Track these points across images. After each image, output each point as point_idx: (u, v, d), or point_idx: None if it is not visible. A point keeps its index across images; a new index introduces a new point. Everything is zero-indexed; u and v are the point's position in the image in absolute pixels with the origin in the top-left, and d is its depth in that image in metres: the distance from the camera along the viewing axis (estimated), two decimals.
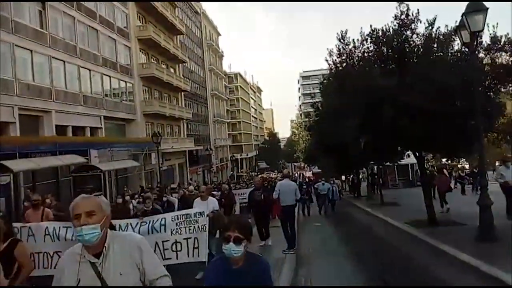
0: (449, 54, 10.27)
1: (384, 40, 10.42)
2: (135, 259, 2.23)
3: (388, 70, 10.49)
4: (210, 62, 59.13)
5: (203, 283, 2.68)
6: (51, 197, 9.66)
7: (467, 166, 32.45)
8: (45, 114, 20.25)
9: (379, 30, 10.56)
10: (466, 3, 8.16)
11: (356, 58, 11.06)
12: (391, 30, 10.42)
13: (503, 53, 9.83)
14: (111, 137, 26.47)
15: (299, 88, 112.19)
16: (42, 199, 8.19)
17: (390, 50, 10.47)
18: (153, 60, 34.67)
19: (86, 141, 23.00)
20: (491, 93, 10.21)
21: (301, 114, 72.42)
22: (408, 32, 10.35)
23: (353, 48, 11.06)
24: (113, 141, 25.81)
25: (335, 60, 11.54)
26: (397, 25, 10.37)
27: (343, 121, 11.39)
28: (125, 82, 29.55)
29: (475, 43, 8.72)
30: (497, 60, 9.98)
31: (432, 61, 9.77)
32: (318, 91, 27.56)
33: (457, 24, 9.25)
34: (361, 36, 10.88)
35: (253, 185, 13.46)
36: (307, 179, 38.73)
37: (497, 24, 9.60)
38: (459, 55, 10.26)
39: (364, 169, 28.65)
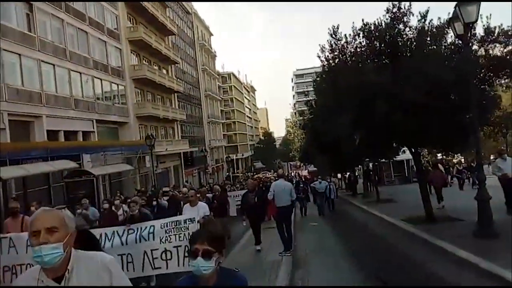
0: (443, 47, 10.13)
1: (377, 34, 10.25)
2: (104, 283, 1.95)
3: (381, 64, 10.35)
4: (203, 62, 58.83)
5: None
6: (36, 205, 9.34)
7: (462, 161, 32.44)
8: (36, 119, 19.90)
9: (371, 24, 10.40)
10: None
11: (349, 53, 10.89)
12: (383, 24, 10.26)
13: (497, 45, 9.68)
14: (104, 141, 26.14)
15: (293, 87, 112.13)
16: (28, 206, 7.91)
17: (382, 45, 10.33)
18: (145, 61, 34.35)
19: (78, 146, 22.65)
20: (486, 86, 10.08)
21: (295, 113, 72.40)
22: (401, 26, 10.21)
23: (345, 44, 10.88)
24: (106, 145, 25.46)
25: (327, 56, 11.36)
26: (389, 18, 10.21)
27: (337, 117, 11.22)
28: (117, 84, 29.22)
29: (468, 34, 8.57)
30: (491, 52, 9.83)
31: (425, 55, 9.63)
32: (311, 89, 27.43)
33: (450, 16, 9.10)
34: (353, 31, 10.72)
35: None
36: (303, 178, 38.48)
37: (490, 15, 9.46)
38: (452, 47, 10.13)
39: (360, 166, 28.53)
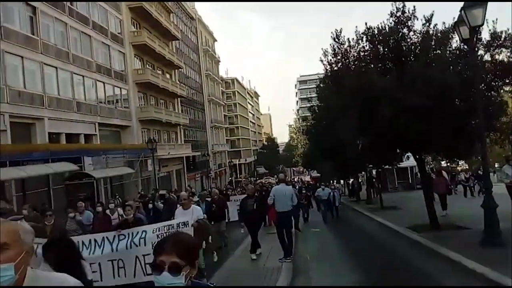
0: (448, 51, 9.95)
1: (380, 38, 10.08)
2: None
3: (385, 69, 10.17)
4: (206, 67, 58.89)
5: None
6: (28, 208, 9.17)
7: (466, 168, 32.05)
8: (38, 122, 19.85)
9: (374, 28, 10.23)
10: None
11: (352, 57, 10.72)
12: (387, 28, 10.10)
13: (504, 50, 9.48)
14: (106, 144, 26.06)
15: (296, 93, 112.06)
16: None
17: (386, 49, 10.16)
18: (148, 66, 34.34)
19: (79, 148, 22.59)
20: (492, 92, 9.88)
21: (299, 119, 72.18)
22: (405, 30, 10.05)
23: (348, 48, 10.71)
24: (107, 148, 25.39)
25: (330, 60, 11.19)
26: (393, 22, 10.05)
27: (339, 123, 11.04)
28: (120, 88, 29.20)
29: (474, 39, 8.40)
30: (497, 57, 9.65)
31: (430, 59, 9.46)
32: (315, 94, 27.27)
33: (455, 20, 8.94)
34: (356, 35, 10.56)
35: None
36: (306, 184, 38.16)
37: (496, 19, 9.28)
38: (457, 52, 9.95)
39: (363, 172, 28.28)
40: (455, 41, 9.98)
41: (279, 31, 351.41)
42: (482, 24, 8.08)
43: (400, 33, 10.04)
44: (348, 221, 18.57)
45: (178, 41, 43.43)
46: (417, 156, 11.64)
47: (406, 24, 10.04)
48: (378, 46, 10.27)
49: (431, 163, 30.08)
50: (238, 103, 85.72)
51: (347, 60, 10.83)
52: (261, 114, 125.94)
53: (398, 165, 22.92)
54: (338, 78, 11.18)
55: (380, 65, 10.35)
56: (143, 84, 31.64)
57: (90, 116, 24.31)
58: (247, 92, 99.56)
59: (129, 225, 5.93)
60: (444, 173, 16.79)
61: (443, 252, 8.06)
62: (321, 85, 20.50)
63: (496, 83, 9.87)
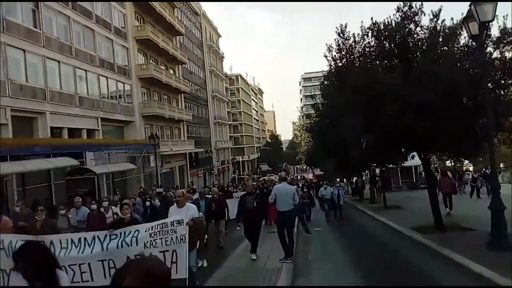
0: (456, 48, 9.67)
1: (386, 33, 9.82)
2: None
3: (391, 65, 9.91)
4: (210, 63, 58.66)
5: None
6: (21, 205, 8.98)
7: (470, 168, 31.65)
8: (40, 116, 19.74)
9: (380, 23, 9.97)
10: None
11: (357, 53, 10.46)
12: (393, 23, 9.83)
13: None
14: (109, 139, 25.94)
15: (300, 90, 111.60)
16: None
17: (392, 45, 9.90)
18: (152, 61, 34.18)
19: (81, 143, 22.47)
20: (500, 90, 9.60)
21: (302, 116, 71.83)
22: (412, 25, 9.78)
23: (353, 43, 10.45)
24: (109, 143, 25.26)
25: (334, 55, 10.92)
26: (399, 17, 9.79)
27: (343, 120, 10.80)
28: (123, 83, 29.06)
29: (483, 35, 8.13)
30: (506, 54, 9.37)
31: (437, 56, 9.20)
32: (319, 92, 26.99)
33: (463, 16, 8.68)
34: (361, 30, 10.29)
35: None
36: (308, 181, 37.80)
37: (506, 15, 9.00)
38: (466, 49, 9.67)
39: (367, 171, 28.01)
40: (463, 38, 9.71)
41: (284, 28, 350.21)
42: (492, 20, 7.82)
43: (407, 29, 9.78)
44: (351, 221, 18.34)
45: (182, 36, 43.23)
46: (423, 155, 11.39)
47: (413, 19, 9.78)
48: (384, 42, 10.01)
49: (436, 162, 29.71)
50: (242, 100, 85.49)
51: (352, 56, 10.57)
52: (265, 111, 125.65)
53: (402, 164, 22.67)
54: (342, 74, 10.93)
55: (385, 61, 10.12)
56: (146, 79, 31.49)
57: (93, 111, 24.18)
58: (251, 89, 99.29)
59: (124, 225, 5.73)
60: (449, 173, 16.54)
61: (448, 255, 7.84)
62: (325, 82, 20.23)
63: (505, 81, 9.59)
